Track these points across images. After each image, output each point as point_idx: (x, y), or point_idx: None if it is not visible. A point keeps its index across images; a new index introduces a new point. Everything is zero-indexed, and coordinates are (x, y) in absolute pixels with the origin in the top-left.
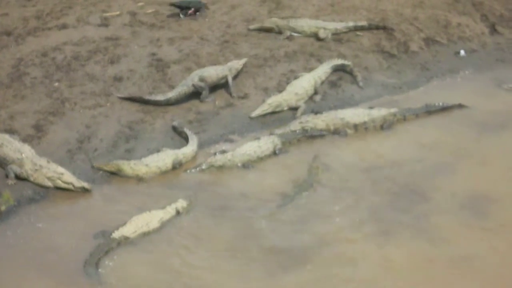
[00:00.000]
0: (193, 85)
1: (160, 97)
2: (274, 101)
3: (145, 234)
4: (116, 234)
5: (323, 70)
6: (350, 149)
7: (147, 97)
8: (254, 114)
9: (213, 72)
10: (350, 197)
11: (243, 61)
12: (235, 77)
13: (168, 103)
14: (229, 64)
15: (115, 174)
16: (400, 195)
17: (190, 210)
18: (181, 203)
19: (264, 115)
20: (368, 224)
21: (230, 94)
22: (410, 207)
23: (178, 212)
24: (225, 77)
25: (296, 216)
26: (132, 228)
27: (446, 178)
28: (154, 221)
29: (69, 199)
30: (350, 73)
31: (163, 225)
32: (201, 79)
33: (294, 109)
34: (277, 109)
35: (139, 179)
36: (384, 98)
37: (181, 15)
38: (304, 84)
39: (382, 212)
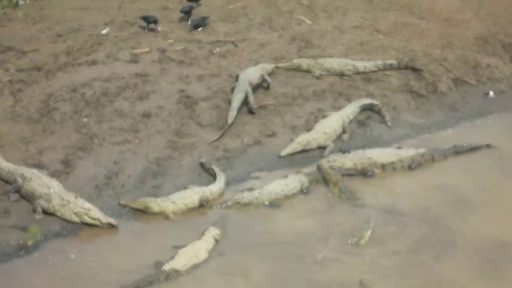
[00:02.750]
0: (246, 90)
1: (232, 114)
2: (303, 139)
3: (196, 266)
4: (167, 267)
5: (351, 109)
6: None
7: (229, 123)
8: (284, 153)
9: (254, 74)
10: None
11: (272, 65)
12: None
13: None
14: (260, 64)
15: (142, 211)
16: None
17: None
18: (214, 231)
19: (292, 154)
20: None
21: (251, 106)
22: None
23: (216, 240)
24: (262, 76)
25: None
26: (182, 261)
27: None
28: (202, 252)
29: (96, 236)
30: (379, 112)
31: (210, 255)
32: (250, 83)
33: (322, 148)
34: (306, 148)
35: (166, 216)
36: (412, 138)
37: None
38: (332, 123)
39: None
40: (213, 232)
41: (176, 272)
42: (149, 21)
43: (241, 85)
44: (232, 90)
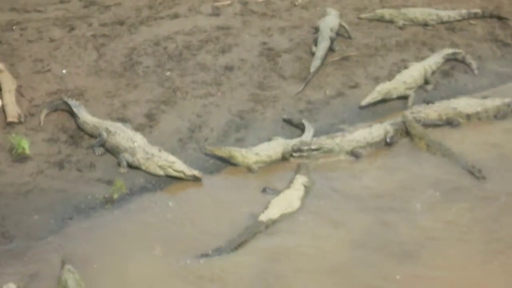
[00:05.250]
0: (330, 37)
1: (316, 63)
2: (383, 88)
3: (291, 215)
4: (263, 217)
5: (434, 60)
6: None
7: (312, 71)
8: (364, 102)
9: (334, 21)
10: None
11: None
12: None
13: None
14: (334, 11)
15: (225, 161)
16: None
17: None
18: (302, 179)
19: (374, 104)
20: None
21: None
22: None
23: (306, 187)
24: (340, 23)
25: None
26: (276, 211)
27: None
28: (295, 200)
29: (182, 189)
30: (463, 61)
31: (303, 203)
32: (332, 29)
33: (403, 97)
34: (386, 97)
35: (250, 169)
36: (498, 87)
37: None
38: (413, 73)
39: None
40: (301, 180)
41: (273, 223)
42: None
43: (324, 33)
44: (315, 41)
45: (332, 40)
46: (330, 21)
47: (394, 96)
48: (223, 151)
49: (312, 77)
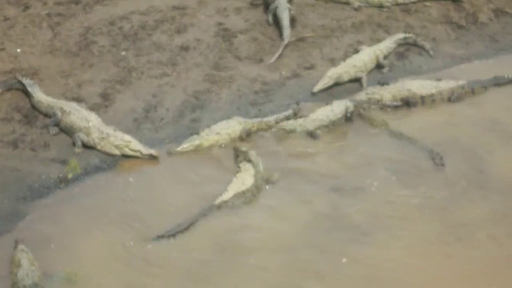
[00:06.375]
0: (289, 8)
1: (287, 32)
2: (334, 73)
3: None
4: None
5: (384, 45)
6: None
7: (285, 42)
8: (316, 88)
9: None
10: None
11: None
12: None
13: None
14: None
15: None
16: None
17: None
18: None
19: (325, 89)
20: None
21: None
22: None
23: (256, 164)
24: None
25: None
26: (230, 192)
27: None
28: (247, 178)
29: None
30: (415, 44)
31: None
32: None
33: (354, 80)
34: (338, 81)
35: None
36: (452, 69)
37: None
38: (363, 57)
39: None
40: (247, 164)
41: (226, 203)
42: None
43: (282, 3)
44: (271, 13)
45: (290, 10)
46: None
47: (346, 79)
48: (189, 147)
49: (286, 46)
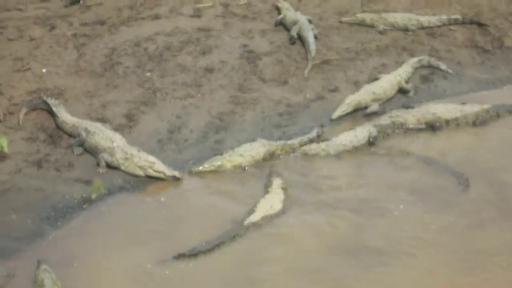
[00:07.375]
0: (312, 28)
1: (313, 46)
2: (353, 100)
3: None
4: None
5: (403, 70)
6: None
7: (313, 55)
8: (335, 115)
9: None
10: None
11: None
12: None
13: None
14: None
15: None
16: None
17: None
18: (279, 182)
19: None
20: None
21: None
22: None
23: (285, 189)
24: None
25: None
26: (258, 214)
27: None
28: (276, 203)
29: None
30: (430, 66)
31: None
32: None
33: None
34: (357, 108)
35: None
36: (477, 93)
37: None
38: (382, 84)
39: None
40: (278, 182)
41: (255, 225)
42: None
43: (305, 23)
44: (297, 34)
45: (312, 29)
46: (301, 15)
47: (364, 106)
48: (210, 167)
49: (313, 60)
